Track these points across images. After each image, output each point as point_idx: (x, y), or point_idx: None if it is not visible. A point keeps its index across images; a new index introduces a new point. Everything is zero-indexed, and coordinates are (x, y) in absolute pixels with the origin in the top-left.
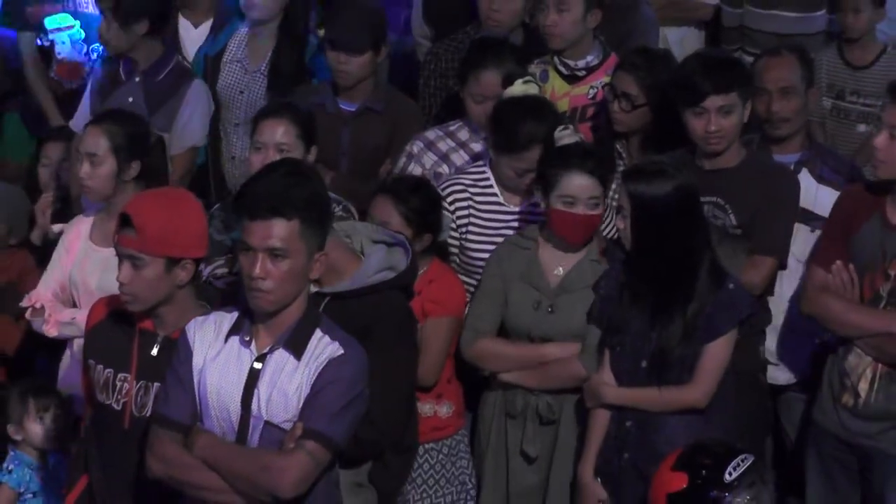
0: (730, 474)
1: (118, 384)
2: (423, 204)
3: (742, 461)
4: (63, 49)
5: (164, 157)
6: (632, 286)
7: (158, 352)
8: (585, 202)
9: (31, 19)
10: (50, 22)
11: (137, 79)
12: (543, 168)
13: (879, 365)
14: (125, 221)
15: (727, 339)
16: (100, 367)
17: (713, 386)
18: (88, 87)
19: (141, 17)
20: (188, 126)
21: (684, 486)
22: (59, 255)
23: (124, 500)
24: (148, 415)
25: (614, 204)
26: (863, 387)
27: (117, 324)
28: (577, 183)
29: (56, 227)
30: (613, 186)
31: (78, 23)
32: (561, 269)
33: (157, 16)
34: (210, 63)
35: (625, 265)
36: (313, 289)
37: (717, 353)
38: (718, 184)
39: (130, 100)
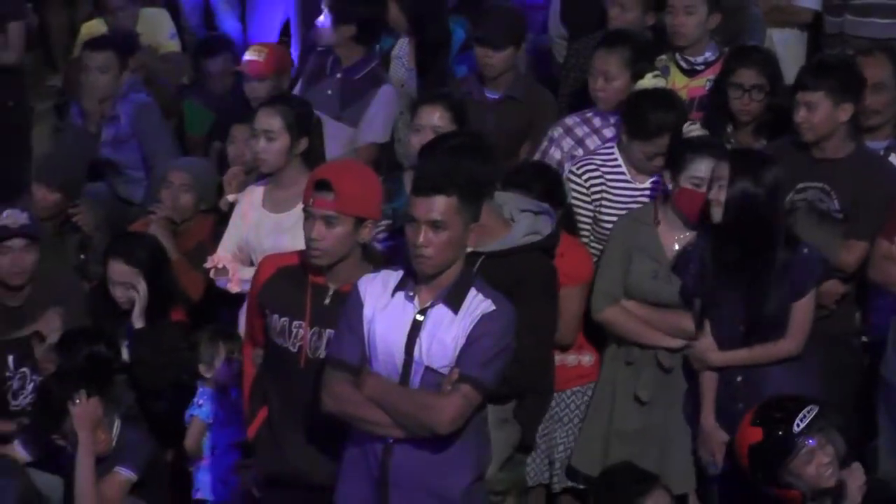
0: (797, 425)
1: (294, 330)
2: (545, 186)
3: (808, 412)
4: None
5: (322, 136)
6: (719, 258)
7: (330, 302)
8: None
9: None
10: None
11: (339, 75)
12: (675, 154)
13: None
14: (321, 186)
15: (810, 296)
16: (275, 315)
17: (805, 337)
18: (302, 76)
19: (349, 21)
20: (372, 124)
21: (760, 438)
22: (235, 222)
23: (299, 429)
24: (321, 356)
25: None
26: None
27: (289, 278)
28: (706, 167)
29: (230, 197)
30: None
31: None
32: (677, 242)
33: (365, 25)
34: (383, 57)
35: (712, 235)
36: (469, 249)
37: (803, 310)
38: (824, 171)
39: (329, 92)
